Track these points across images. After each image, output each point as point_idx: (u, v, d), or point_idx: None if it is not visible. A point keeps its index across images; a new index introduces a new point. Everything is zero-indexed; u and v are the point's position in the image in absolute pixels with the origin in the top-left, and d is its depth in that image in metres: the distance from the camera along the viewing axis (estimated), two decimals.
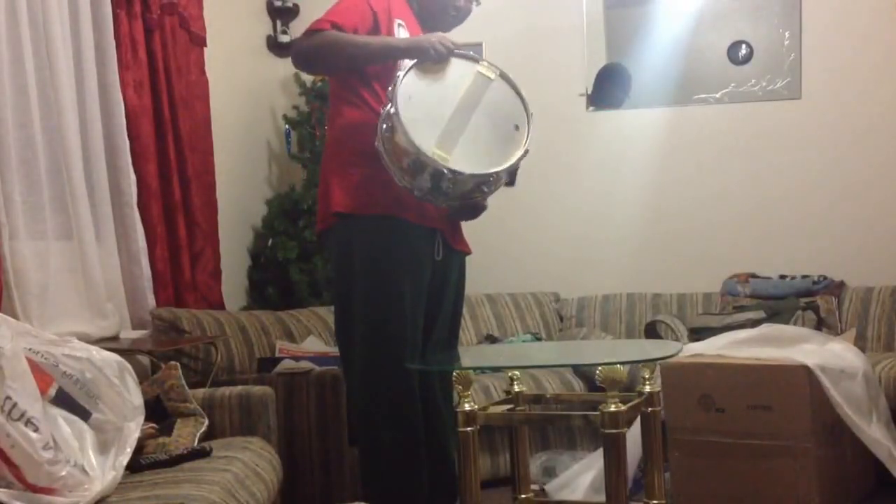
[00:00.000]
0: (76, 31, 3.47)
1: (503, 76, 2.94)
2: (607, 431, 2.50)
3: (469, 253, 3.15)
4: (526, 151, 2.85)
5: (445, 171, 2.70)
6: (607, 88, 4.65)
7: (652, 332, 4.19)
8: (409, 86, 2.77)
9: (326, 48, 2.87)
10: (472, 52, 2.99)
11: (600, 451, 2.72)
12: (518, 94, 2.94)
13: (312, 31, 2.90)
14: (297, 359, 3.59)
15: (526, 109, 2.92)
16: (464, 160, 2.74)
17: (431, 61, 2.83)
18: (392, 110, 2.71)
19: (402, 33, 2.95)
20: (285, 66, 4.85)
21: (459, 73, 2.88)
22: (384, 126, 2.78)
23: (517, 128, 2.90)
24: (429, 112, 2.77)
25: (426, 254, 2.95)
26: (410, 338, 2.90)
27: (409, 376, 2.88)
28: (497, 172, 2.80)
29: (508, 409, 2.89)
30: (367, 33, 2.91)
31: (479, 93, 2.88)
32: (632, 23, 4.61)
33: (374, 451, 2.94)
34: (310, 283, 4.40)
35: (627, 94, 4.62)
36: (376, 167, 2.83)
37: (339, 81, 3.01)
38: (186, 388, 2.88)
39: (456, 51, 2.87)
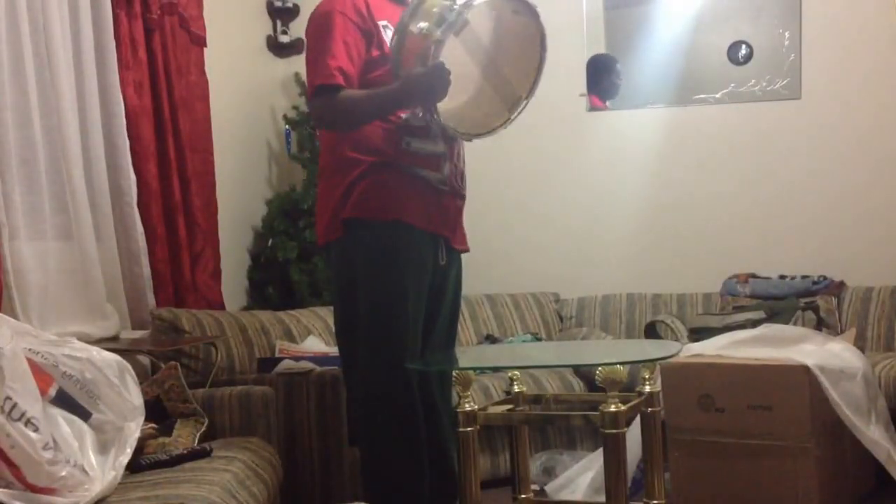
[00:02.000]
0: (76, 31, 3.47)
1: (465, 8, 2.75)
2: (607, 431, 2.50)
3: (467, 250, 3.13)
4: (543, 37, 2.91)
5: (531, 98, 2.96)
6: (602, 81, 4.64)
7: (652, 332, 4.18)
8: (452, 114, 2.79)
9: (338, 119, 2.87)
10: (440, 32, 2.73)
11: (600, 451, 2.72)
12: None
13: (320, 88, 2.81)
14: (297, 359, 3.58)
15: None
16: (523, 81, 2.94)
17: (441, 100, 2.72)
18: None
19: (389, 35, 2.92)
20: (285, 66, 4.85)
21: (455, 54, 2.73)
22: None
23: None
24: (480, 106, 2.90)
25: (429, 258, 2.95)
26: (411, 339, 2.90)
27: (409, 377, 2.88)
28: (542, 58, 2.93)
29: (508, 409, 2.89)
30: (364, 52, 2.86)
31: (480, 41, 2.82)
32: (632, 22, 4.61)
33: (375, 452, 2.94)
34: (310, 283, 4.39)
35: (620, 79, 4.61)
36: (378, 173, 2.84)
37: None
38: (186, 388, 2.88)
39: (445, 61, 2.68)
